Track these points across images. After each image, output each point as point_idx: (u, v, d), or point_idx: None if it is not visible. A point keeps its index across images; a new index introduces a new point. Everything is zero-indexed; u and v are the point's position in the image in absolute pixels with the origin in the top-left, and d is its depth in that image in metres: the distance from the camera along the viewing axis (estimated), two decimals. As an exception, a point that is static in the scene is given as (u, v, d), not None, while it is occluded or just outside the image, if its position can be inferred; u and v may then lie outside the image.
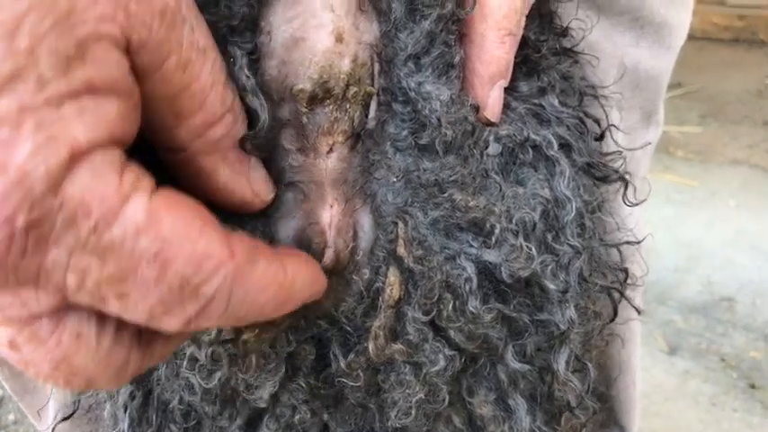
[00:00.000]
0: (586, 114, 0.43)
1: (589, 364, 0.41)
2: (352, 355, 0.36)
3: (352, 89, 0.33)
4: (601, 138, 0.44)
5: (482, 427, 0.40)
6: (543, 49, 0.40)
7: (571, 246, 0.38)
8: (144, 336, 0.28)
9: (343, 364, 0.36)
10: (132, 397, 0.40)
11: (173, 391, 0.39)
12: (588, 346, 0.42)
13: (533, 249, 0.36)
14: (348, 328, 0.36)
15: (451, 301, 0.35)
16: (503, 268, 0.36)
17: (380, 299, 0.35)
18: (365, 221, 0.36)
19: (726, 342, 2.12)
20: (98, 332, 0.26)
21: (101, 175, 0.23)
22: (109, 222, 0.23)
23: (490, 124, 0.38)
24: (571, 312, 0.38)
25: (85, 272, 0.23)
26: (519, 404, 0.39)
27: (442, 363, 0.36)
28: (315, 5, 0.32)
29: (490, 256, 0.35)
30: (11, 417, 1.97)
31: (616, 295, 0.44)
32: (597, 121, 0.44)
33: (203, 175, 0.29)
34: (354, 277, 0.35)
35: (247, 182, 0.31)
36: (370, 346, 0.35)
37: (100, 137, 0.23)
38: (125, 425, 0.41)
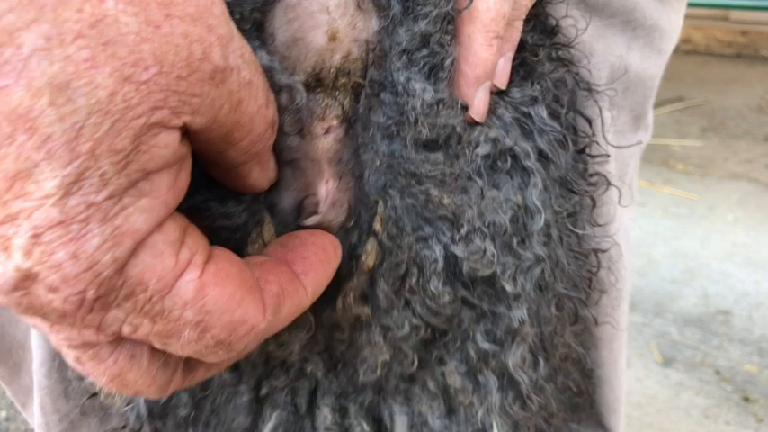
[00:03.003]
0: (580, 113, 0.44)
1: (541, 360, 0.43)
2: (327, 311, 0.39)
3: (342, 79, 0.36)
4: (583, 151, 0.45)
5: (453, 396, 0.43)
6: (540, 53, 0.41)
7: (534, 254, 0.39)
8: (189, 362, 0.33)
9: (328, 312, 0.40)
10: None
11: None
12: (550, 345, 0.44)
13: (496, 254, 0.38)
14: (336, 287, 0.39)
15: (416, 277, 0.38)
16: (464, 264, 0.38)
17: (356, 264, 0.38)
18: (355, 197, 0.39)
19: (721, 355, 2.12)
20: (149, 357, 0.30)
21: (159, 255, 0.27)
22: (162, 295, 0.27)
23: (475, 124, 0.39)
24: (522, 313, 0.40)
25: (138, 327, 0.27)
26: (489, 380, 0.42)
27: (406, 329, 0.39)
28: (312, 8, 0.35)
29: (457, 249, 0.38)
30: (2, 413, 1.97)
31: (578, 302, 0.45)
32: (589, 121, 0.45)
33: (239, 176, 0.33)
34: (343, 241, 0.38)
35: (268, 174, 0.34)
36: (338, 303, 0.39)
37: (158, 217, 0.27)
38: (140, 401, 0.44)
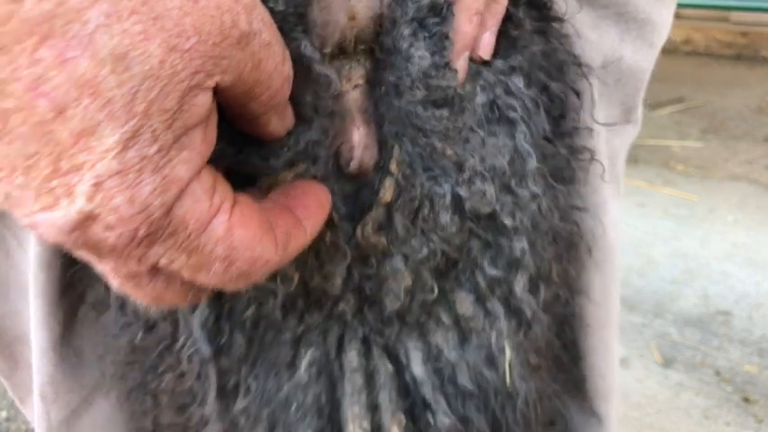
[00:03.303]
0: (569, 86, 0.49)
1: (541, 285, 0.49)
2: (353, 241, 0.46)
3: (360, 46, 0.43)
4: (561, 117, 0.49)
5: (465, 325, 0.49)
6: (526, 25, 0.46)
7: (530, 192, 0.46)
8: None
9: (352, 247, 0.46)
10: (208, 314, 0.48)
11: (249, 300, 0.47)
12: (547, 276, 0.50)
13: (495, 195, 0.45)
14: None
15: (428, 210, 0.45)
16: (468, 203, 0.45)
17: (375, 198, 0.45)
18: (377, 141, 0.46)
19: (721, 355, 2.12)
20: (182, 282, 0.35)
21: (198, 200, 0.31)
22: (199, 233, 0.32)
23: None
24: (523, 244, 0.47)
25: (174, 260, 0.32)
26: (497, 308, 0.48)
27: (424, 253, 0.45)
28: None
29: (460, 191, 0.45)
30: (3, 414, 1.98)
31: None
32: (577, 93, 0.50)
33: (259, 126, 0.37)
34: (368, 180, 0.45)
35: (285, 123, 0.39)
36: (358, 232, 0.45)
37: (196, 167, 0.31)
38: (202, 340, 0.48)
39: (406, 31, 0.42)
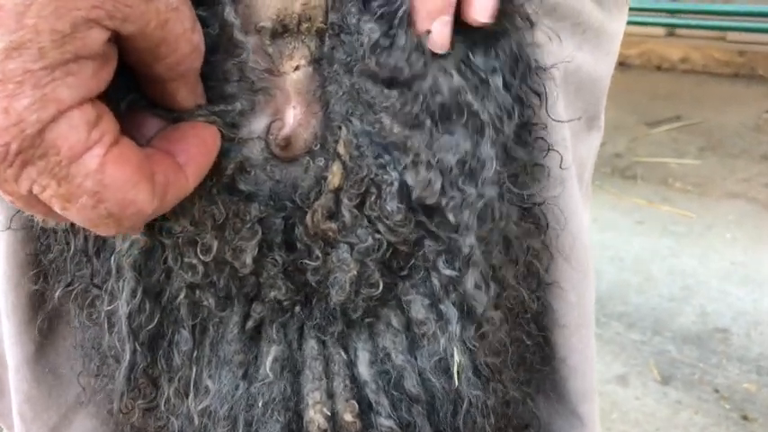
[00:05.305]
0: (530, 89, 0.48)
1: (492, 284, 0.48)
2: (300, 229, 0.45)
3: (305, 25, 0.42)
4: (525, 125, 0.48)
5: (417, 330, 0.48)
6: (506, 23, 0.45)
7: (478, 192, 0.45)
8: None
9: (299, 234, 0.45)
10: (142, 310, 0.47)
11: (179, 281, 0.47)
12: (500, 275, 0.49)
13: (440, 186, 0.44)
14: (306, 210, 0.45)
15: (374, 197, 0.44)
16: (414, 191, 0.44)
17: (323, 184, 0.44)
18: (322, 124, 0.45)
19: (719, 373, 2.12)
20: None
21: (74, 128, 0.31)
22: (70, 162, 0.32)
23: (436, 56, 0.42)
24: (471, 240, 0.46)
25: (45, 187, 0.32)
26: (450, 311, 0.47)
27: (369, 242, 0.45)
28: None
29: (407, 177, 0.44)
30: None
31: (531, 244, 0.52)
32: (538, 94, 0.49)
33: (167, 93, 0.38)
34: (311, 164, 0.44)
35: (194, 97, 0.39)
36: (308, 219, 0.44)
37: (79, 96, 0.31)
38: (129, 351, 0.48)
39: (354, 8, 0.42)
